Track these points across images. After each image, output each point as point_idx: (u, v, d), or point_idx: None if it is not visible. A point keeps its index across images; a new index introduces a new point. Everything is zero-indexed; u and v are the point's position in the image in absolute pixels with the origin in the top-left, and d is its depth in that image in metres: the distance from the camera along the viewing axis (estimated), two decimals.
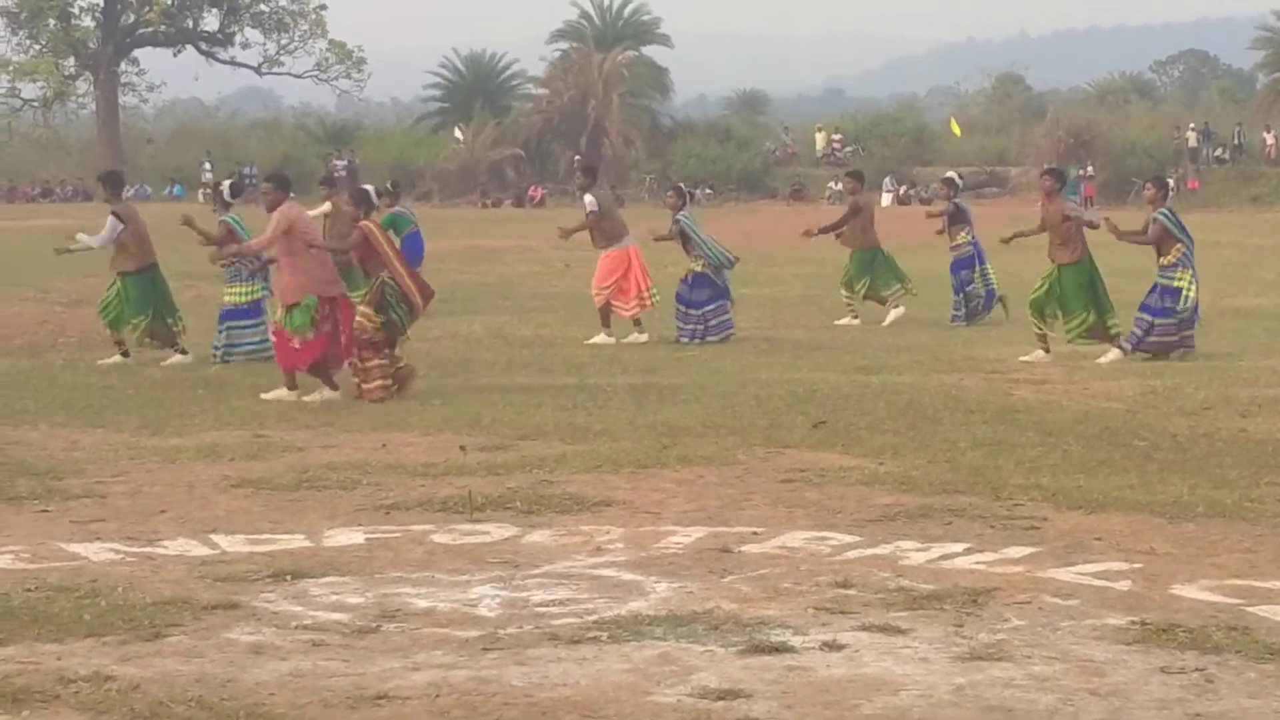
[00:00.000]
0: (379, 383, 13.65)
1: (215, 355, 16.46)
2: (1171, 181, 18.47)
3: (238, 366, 16.01)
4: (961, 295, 20.33)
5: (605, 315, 18.28)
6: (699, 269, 18.20)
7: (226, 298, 16.70)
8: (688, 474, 10.09)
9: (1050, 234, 16.36)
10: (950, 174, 22.54)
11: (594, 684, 5.84)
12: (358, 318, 13.74)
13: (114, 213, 16.24)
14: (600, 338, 18.16)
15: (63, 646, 6.32)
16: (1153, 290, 16.45)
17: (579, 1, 70.70)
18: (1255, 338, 18.72)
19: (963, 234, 20.33)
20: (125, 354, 16.32)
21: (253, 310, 16.63)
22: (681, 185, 19.92)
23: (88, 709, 5.58)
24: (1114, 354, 16.17)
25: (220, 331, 16.58)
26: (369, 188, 15.06)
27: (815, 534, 8.39)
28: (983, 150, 63.70)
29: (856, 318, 20.40)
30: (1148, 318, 16.43)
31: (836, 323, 20.35)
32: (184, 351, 16.35)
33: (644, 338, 18.10)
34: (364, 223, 14.12)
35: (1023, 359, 16.14)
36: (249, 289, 16.57)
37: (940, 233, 20.61)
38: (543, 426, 12.00)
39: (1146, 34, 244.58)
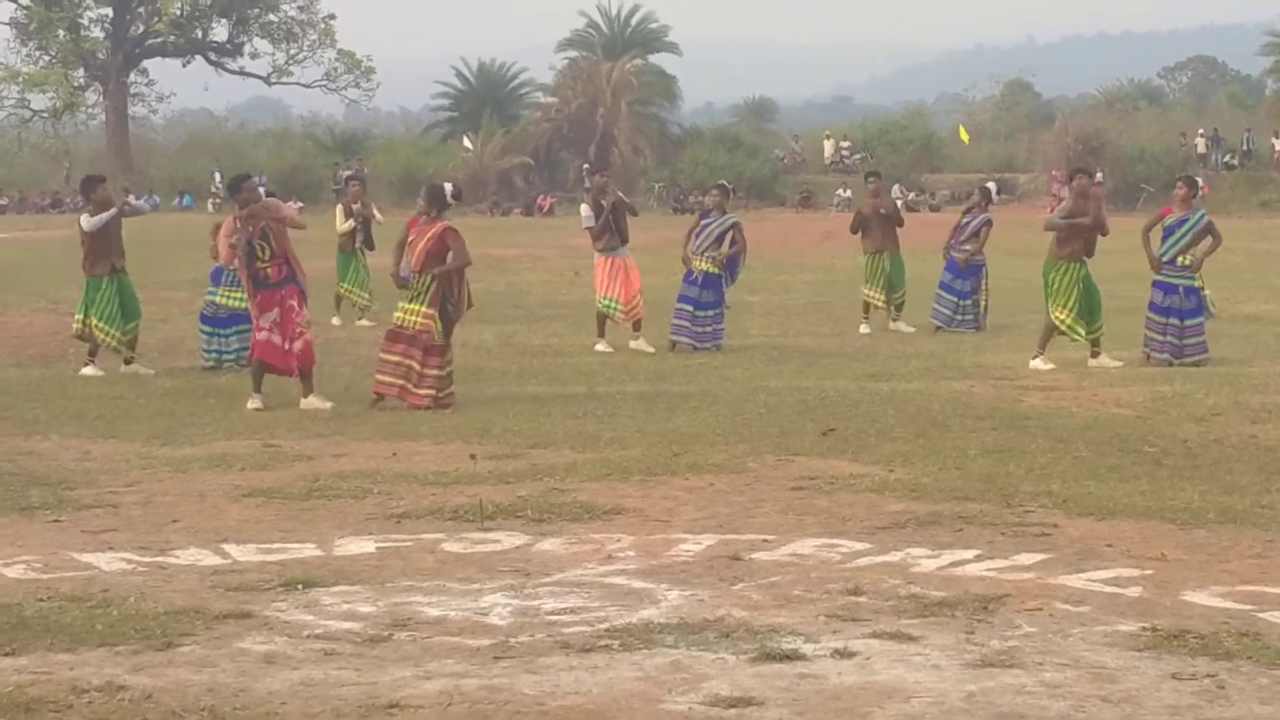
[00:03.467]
0: (428, 392, 13.60)
1: (223, 361, 16.41)
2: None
3: (248, 375, 15.98)
4: (971, 300, 20.59)
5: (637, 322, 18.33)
6: (713, 269, 18.20)
7: (228, 301, 16.58)
8: (698, 482, 10.10)
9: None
10: (990, 185, 22.76)
11: (605, 692, 5.85)
12: (421, 319, 13.61)
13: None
14: (641, 343, 18.24)
15: (75, 656, 6.33)
16: (1173, 291, 16.45)
17: (587, 10, 70.88)
18: (1265, 343, 18.72)
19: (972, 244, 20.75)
20: (128, 360, 16.39)
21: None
22: (725, 183, 19.93)
23: (100, 719, 5.59)
24: (1105, 360, 16.24)
25: (228, 336, 16.53)
26: (447, 185, 14.32)
27: (826, 541, 8.39)
28: (991, 157, 63.72)
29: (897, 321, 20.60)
30: (1177, 321, 16.45)
31: (905, 329, 20.44)
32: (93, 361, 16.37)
33: (609, 349, 18.08)
34: (450, 224, 13.94)
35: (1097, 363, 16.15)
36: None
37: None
38: (553, 435, 12.02)
39: (1155, 40, 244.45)
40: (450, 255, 13.69)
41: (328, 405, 13.61)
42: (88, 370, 16.18)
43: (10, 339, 19.46)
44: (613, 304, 18.11)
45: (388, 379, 13.62)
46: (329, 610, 7.05)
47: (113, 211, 16.16)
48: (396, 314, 13.87)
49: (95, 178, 17.51)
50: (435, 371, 13.64)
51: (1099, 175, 56.22)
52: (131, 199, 16.25)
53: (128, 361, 16.36)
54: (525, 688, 5.90)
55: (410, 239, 13.84)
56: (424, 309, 13.61)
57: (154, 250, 16.68)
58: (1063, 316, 16.14)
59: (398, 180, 60.56)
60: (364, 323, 21.06)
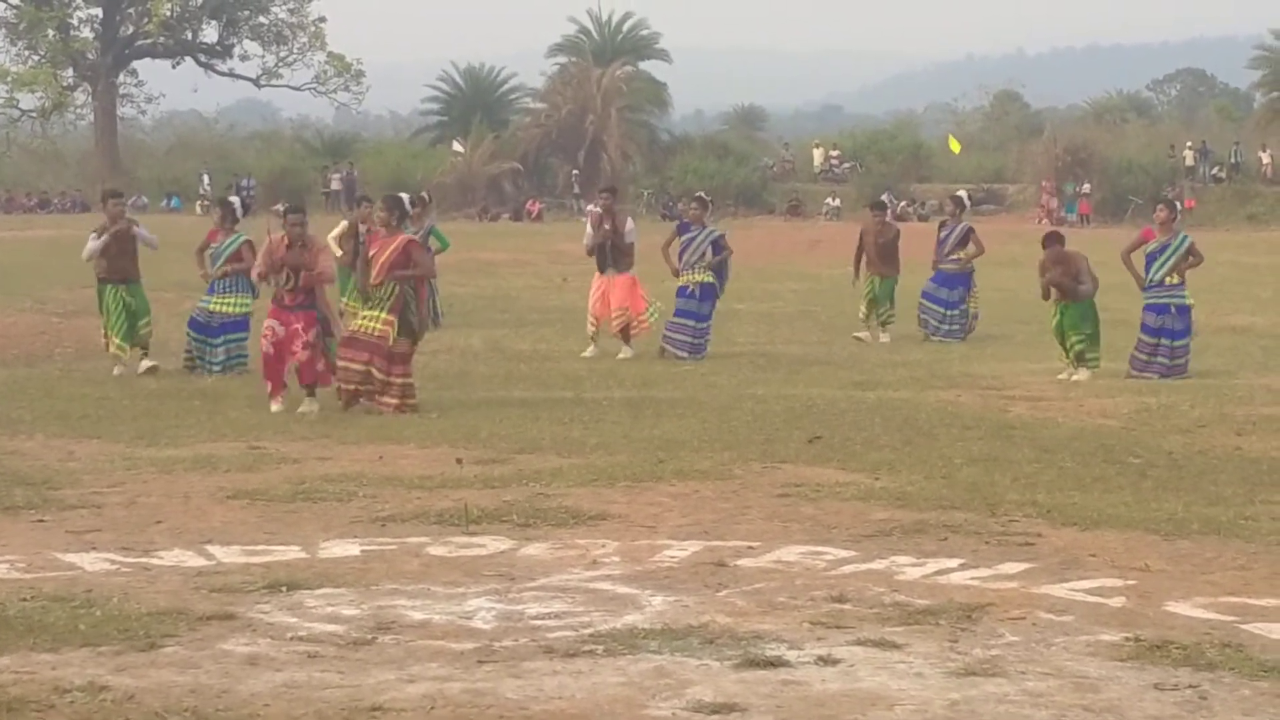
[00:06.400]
0: (395, 400, 13.59)
1: (206, 366, 16.42)
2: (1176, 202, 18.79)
3: (233, 379, 16.00)
4: (959, 310, 20.57)
5: (626, 334, 18.27)
6: (708, 280, 18.19)
7: (221, 308, 16.59)
8: (683, 488, 10.10)
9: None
10: (960, 193, 22.77)
11: (589, 697, 5.84)
12: (381, 325, 13.62)
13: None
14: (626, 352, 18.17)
15: (58, 656, 6.31)
16: (1164, 311, 16.47)
17: (578, 16, 70.86)
18: (1250, 356, 18.76)
19: (964, 251, 20.62)
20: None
21: (245, 322, 16.66)
22: (703, 194, 19.96)
23: (83, 719, 5.58)
24: (1084, 374, 16.20)
25: (216, 345, 16.54)
26: (404, 195, 14.52)
27: (811, 549, 8.40)
28: (980, 167, 63.70)
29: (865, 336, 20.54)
30: (1169, 342, 16.47)
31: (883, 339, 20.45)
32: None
33: (631, 353, 18.10)
34: (412, 238, 14.19)
35: (1062, 378, 16.11)
36: (242, 300, 16.61)
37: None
38: (539, 440, 12.01)
39: (1144, 53, 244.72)
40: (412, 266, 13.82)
41: (315, 407, 13.65)
42: (144, 364, 16.44)
43: None
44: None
45: (349, 386, 13.65)
46: (313, 612, 7.04)
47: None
48: (355, 320, 13.85)
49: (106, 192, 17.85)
50: (401, 380, 13.66)
51: (1086, 187, 56.45)
52: (92, 239, 16.56)
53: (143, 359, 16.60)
54: (509, 692, 5.89)
55: (372, 254, 13.85)
56: (384, 315, 13.62)
57: (141, 252, 16.66)
58: (1081, 338, 16.17)
59: (387, 184, 60.45)
60: None
